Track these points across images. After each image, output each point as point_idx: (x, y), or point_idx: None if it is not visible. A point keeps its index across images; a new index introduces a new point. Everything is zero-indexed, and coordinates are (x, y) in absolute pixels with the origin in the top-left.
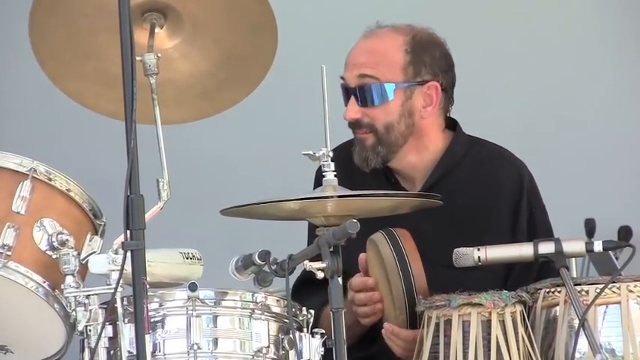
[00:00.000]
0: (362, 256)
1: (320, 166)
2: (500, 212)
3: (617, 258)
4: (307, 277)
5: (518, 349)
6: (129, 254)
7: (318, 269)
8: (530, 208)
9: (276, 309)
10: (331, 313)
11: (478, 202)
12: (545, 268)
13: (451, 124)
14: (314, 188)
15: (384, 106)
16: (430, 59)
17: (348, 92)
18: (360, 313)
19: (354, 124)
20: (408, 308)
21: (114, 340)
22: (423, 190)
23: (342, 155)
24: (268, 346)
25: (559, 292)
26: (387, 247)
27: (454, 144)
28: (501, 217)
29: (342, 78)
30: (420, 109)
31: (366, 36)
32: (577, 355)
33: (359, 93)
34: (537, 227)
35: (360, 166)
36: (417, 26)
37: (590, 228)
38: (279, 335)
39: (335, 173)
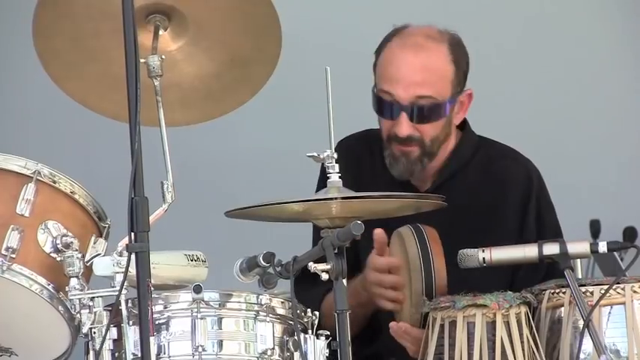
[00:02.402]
0: (378, 232)
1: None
2: (509, 212)
3: (621, 259)
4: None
5: (523, 350)
6: (133, 256)
7: (323, 271)
8: (539, 208)
9: (280, 311)
10: (335, 315)
11: (486, 202)
12: (553, 270)
13: (461, 123)
14: (318, 185)
15: (437, 122)
16: (465, 64)
17: (399, 108)
18: (387, 296)
19: (404, 139)
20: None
21: (118, 342)
22: (433, 188)
23: (349, 149)
24: (273, 348)
25: (564, 293)
26: (414, 244)
27: (463, 143)
28: (509, 217)
29: (387, 92)
30: (455, 116)
31: (413, 49)
32: (582, 355)
33: (415, 111)
34: (545, 227)
35: (399, 176)
36: (441, 28)
37: (595, 229)
38: (284, 337)
39: (339, 175)
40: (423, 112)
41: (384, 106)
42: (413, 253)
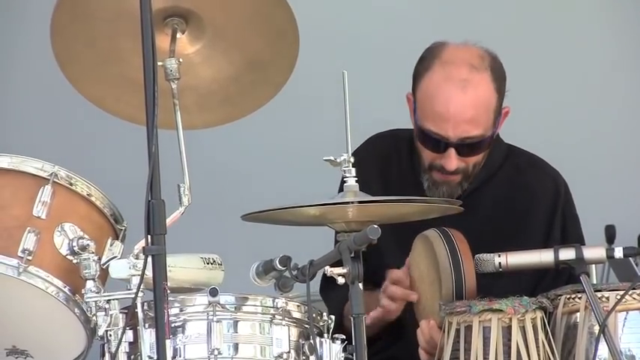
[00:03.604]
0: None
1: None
2: (535, 223)
3: (637, 264)
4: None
5: (539, 355)
6: (150, 259)
7: (339, 275)
8: (564, 220)
9: (296, 314)
10: (352, 318)
11: (513, 212)
12: (574, 279)
13: None
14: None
15: (483, 153)
16: (504, 85)
17: (447, 144)
18: (385, 305)
19: (452, 172)
20: None
21: (134, 345)
22: (461, 198)
23: (382, 145)
24: (289, 352)
25: (579, 298)
26: (442, 245)
27: (493, 152)
28: (535, 228)
29: (433, 129)
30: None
31: (460, 87)
32: None
33: (464, 148)
34: (570, 239)
35: (439, 195)
36: (481, 50)
37: (610, 234)
38: (300, 341)
39: (356, 179)
40: (472, 148)
41: (431, 140)
42: (441, 255)
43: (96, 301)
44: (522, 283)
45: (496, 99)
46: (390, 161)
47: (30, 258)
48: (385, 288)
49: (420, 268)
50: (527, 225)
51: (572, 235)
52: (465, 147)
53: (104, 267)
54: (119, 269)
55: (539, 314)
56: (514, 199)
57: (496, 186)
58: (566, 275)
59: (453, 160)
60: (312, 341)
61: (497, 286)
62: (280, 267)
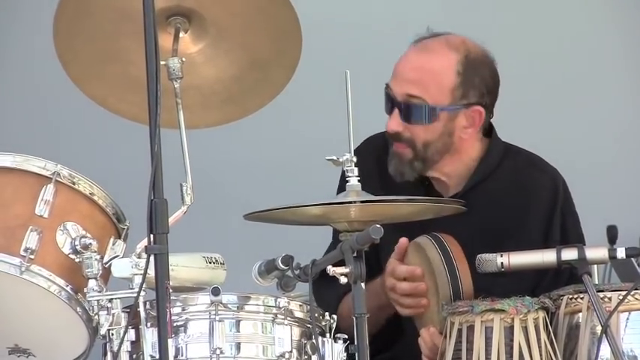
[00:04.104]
0: (402, 240)
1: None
2: (533, 222)
3: (639, 264)
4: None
5: (541, 355)
6: (152, 258)
7: (342, 274)
8: (563, 217)
9: (298, 314)
10: (354, 318)
11: (512, 210)
12: (575, 278)
13: (487, 131)
14: (339, 188)
15: (427, 126)
16: (479, 80)
17: (392, 103)
18: (401, 303)
19: (394, 136)
20: None
21: (136, 344)
22: (458, 196)
23: (376, 145)
24: (291, 351)
25: (582, 298)
26: (435, 250)
27: (490, 152)
28: (534, 227)
29: (388, 85)
30: (461, 129)
31: (419, 48)
32: None
33: (404, 109)
34: (569, 238)
35: (394, 176)
36: (470, 42)
37: (612, 235)
38: (302, 340)
39: (358, 178)
40: (410, 111)
41: (385, 100)
42: (435, 259)
43: (98, 300)
44: (522, 282)
45: (455, 81)
46: (386, 167)
47: (32, 257)
48: (391, 286)
49: None
50: (526, 223)
51: (572, 233)
52: (405, 109)
53: (106, 266)
54: (121, 268)
55: (541, 314)
56: (512, 197)
57: (494, 185)
58: (566, 275)
59: (393, 120)
60: (314, 341)
61: (497, 284)
62: (283, 266)
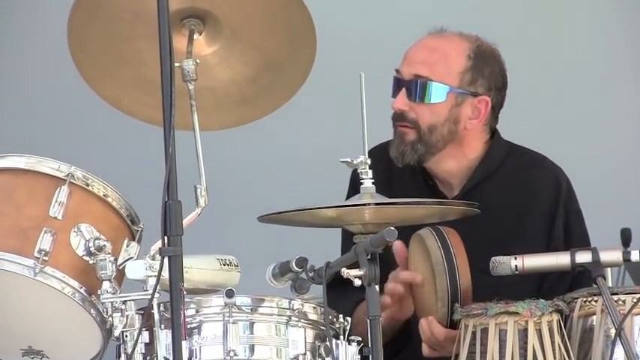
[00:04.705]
0: (398, 245)
1: (354, 170)
2: (536, 220)
3: None
4: (338, 276)
5: (555, 358)
6: (166, 260)
7: (356, 277)
8: (567, 216)
9: (312, 316)
10: (368, 320)
11: (515, 209)
12: (580, 278)
13: (490, 130)
14: (348, 191)
15: (433, 106)
16: (489, 72)
17: (399, 84)
18: (386, 304)
19: (399, 116)
20: (450, 303)
21: (150, 346)
22: (461, 195)
23: (380, 155)
24: (305, 354)
25: (596, 301)
26: (434, 241)
27: (493, 151)
28: (537, 225)
29: (397, 71)
30: (467, 119)
31: (432, 34)
32: None
33: (411, 86)
34: (573, 236)
35: (394, 159)
36: (484, 39)
37: (626, 237)
38: (316, 342)
39: (373, 181)
40: (417, 89)
41: (393, 84)
42: (434, 250)
43: (112, 302)
44: (527, 281)
45: (464, 64)
46: (390, 173)
47: (46, 258)
48: (390, 290)
49: (416, 268)
50: (529, 221)
51: (576, 231)
52: (413, 86)
53: (120, 268)
54: (135, 270)
55: (555, 317)
56: (515, 195)
57: (497, 183)
58: (570, 275)
59: (399, 99)
60: (328, 343)
61: (503, 284)
62: (297, 268)
